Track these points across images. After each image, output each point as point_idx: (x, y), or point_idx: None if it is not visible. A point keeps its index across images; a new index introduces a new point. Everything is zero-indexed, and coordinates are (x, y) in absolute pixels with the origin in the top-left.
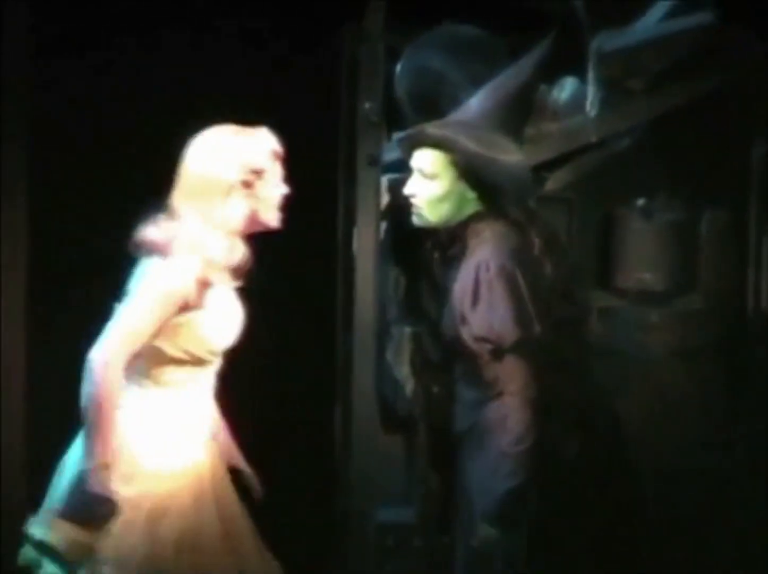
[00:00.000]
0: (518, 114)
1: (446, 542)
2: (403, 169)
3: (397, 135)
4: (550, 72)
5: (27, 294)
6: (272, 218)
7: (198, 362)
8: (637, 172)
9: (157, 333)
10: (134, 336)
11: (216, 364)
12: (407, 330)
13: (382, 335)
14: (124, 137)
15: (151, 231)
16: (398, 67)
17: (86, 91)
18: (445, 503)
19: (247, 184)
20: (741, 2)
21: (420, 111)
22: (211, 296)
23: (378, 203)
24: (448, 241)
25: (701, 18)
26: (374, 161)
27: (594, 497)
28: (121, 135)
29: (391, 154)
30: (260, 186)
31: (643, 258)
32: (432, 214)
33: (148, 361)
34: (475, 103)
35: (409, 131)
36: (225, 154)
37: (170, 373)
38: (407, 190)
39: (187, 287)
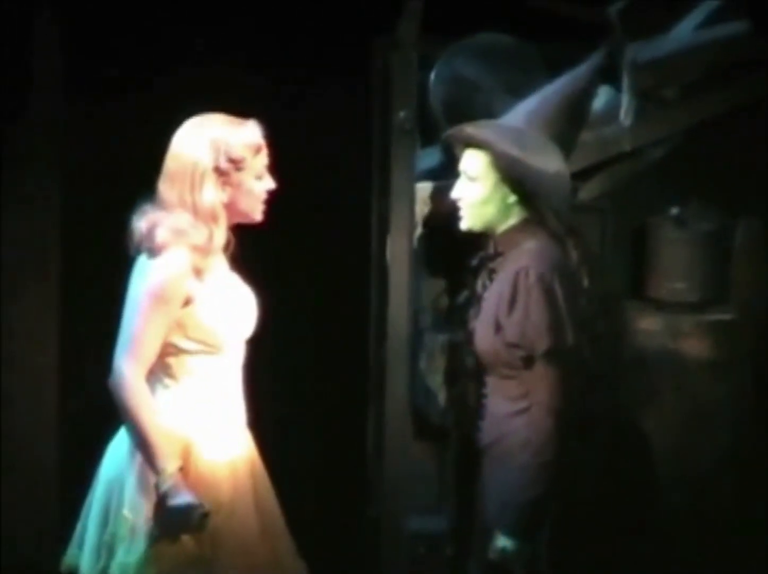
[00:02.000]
0: (572, 122)
1: (453, 553)
2: (437, 177)
3: (444, 134)
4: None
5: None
6: (254, 210)
7: (214, 350)
8: (671, 182)
9: (168, 332)
10: (146, 346)
11: (237, 352)
12: (441, 338)
13: (416, 344)
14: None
15: (137, 224)
16: (432, 76)
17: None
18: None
19: (221, 172)
20: None
21: (454, 120)
22: (208, 282)
23: (412, 212)
24: (489, 250)
25: (736, 28)
26: (406, 166)
27: (619, 510)
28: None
29: (425, 162)
30: (238, 176)
31: (676, 268)
32: (475, 218)
33: (164, 357)
34: (526, 108)
35: (451, 130)
36: (202, 138)
37: (189, 365)
38: (453, 193)
39: (183, 282)
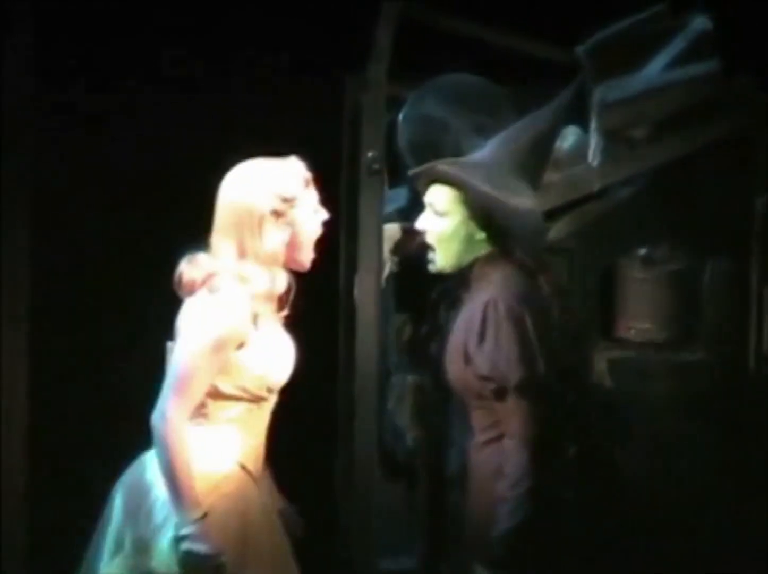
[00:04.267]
0: (537, 160)
1: None
2: (406, 217)
3: (411, 171)
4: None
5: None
6: (308, 251)
7: (255, 398)
8: (638, 222)
9: (216, 376)
10: (195, 388)
11: (272, 400)
12: (409, 379)
13: (384, 383)
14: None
15: (189, 269)
16: (401, 116)
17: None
18: (445, 550)
19: (278, 214)
20: (744, 53)
21: (422, 160)
22: (260, 330)
23: (380, 251)
24: (455, 283)
25: (704, 68)
26: (374, 205)
27: (591, 541)
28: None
29: (393, 202)
30: (294, 214)
31: (644, 308)
32: (444, 257)
33: (204, 399)
34: (495, 145)
35: (423, 167)
36: (254, 185)
37: (227, 410)
38: (418, 224)
39: (242, 329)
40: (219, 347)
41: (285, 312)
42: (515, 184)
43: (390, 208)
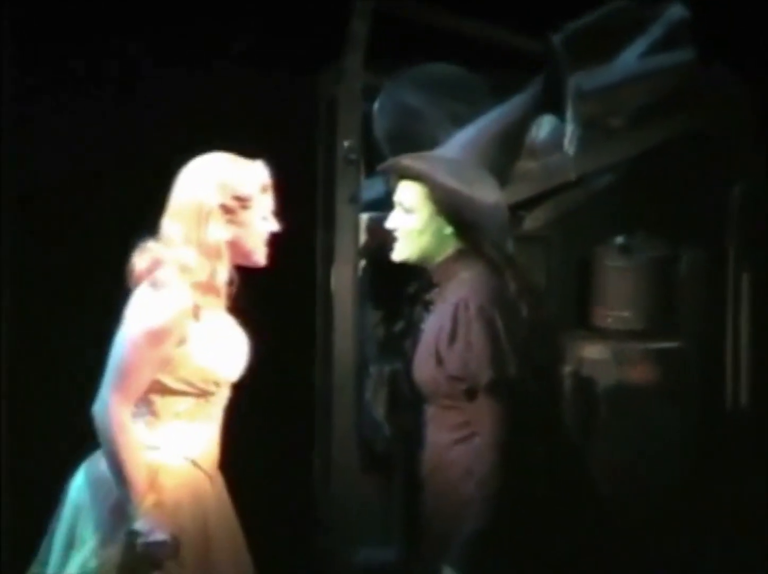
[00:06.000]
0: (506, 152)
1: None
2: (381, 207)
3: (378, 167)
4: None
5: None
6: (257, 250)
7: (201, 393)
8: (616, 211)
9: (158, 369)
10: (134, 380)
11: (222, 396)
12: (385, 369)
13: (361, 374)
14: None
15: (139, 259)
16: (376, 106)
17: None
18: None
19: (228, 210)
20: (721, 41)
21: (398, 150)
22: (203, 323)
23: (356, 242)
24: (425, 282)
25: (681, 56)
26: (355, 200)
27: (562, 542)
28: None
29: (369, 192)
30: (244, 215)
31: (622, 296)
32: (410, 248)
33: (149, 394)
34: (462, 139)
35: (388, 162)
36: (209, 177)
37: (175, 405)
38: (388, 223)
39: (183, 321)
40: (156, 340)
41: (228, 305)
42: (482, 178)
43: (366, 198)
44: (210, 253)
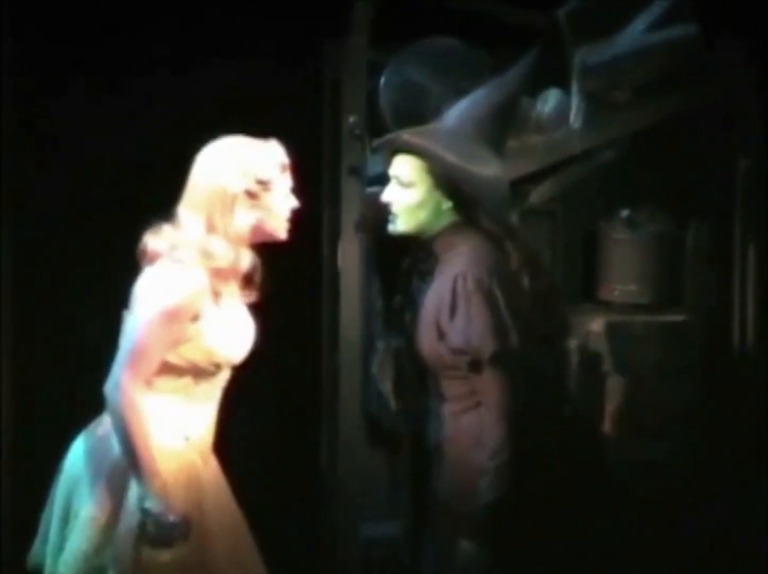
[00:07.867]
0: (501, 126)
1: (408, 558)
2: (386, 182)
3: (375, 142)
4: (534, 85)
5: None
6: (279, 229)
7: (199, 372)
8: (621, 185)
9: (170, 348)
10: (149, 358)
11: (221, 377)
12: (392, 344)
13: (368, 349)
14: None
15: (153, 240)
16: (381, 81)
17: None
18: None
19: (252, 195)
20: (724, 15)
21: (403, 125)
22: (219, 306)
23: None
24: (423, 254)
25: (685, 30)
26: (356, 172)
27: (574, 511)
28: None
29: (375, 167)
30: (267, 197)
31: (628, 270)
32: (407, 222)
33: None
34: (458, 113)
35: (386, 137)
36: (230, 163)
37: (169, 382)
38: (384, 197)
39: (195, 299)
40: (172, 318)
41: (252, 294)
42: (479, 152)
43: (372, 173)
44: (234, 239)
